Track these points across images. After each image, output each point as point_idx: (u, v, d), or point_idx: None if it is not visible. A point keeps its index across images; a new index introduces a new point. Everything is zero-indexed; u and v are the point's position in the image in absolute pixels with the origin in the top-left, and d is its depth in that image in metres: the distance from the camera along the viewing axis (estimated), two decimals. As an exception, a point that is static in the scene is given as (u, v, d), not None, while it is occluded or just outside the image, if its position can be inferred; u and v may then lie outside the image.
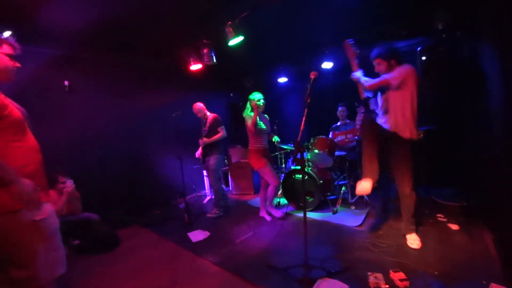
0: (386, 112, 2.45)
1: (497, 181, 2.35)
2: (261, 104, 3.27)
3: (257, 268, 2.33)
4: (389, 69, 2.40)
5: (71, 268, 1.56)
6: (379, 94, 2.53)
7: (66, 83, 3.40)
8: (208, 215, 3.63)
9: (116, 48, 3.75)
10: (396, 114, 2.37)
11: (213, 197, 3.85)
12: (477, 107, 2.80)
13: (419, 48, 3.55)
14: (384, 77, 2.38)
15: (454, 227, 2.63)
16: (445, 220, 2.79)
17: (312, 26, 3.68)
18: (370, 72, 2.61)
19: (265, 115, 3.50)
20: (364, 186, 2.36)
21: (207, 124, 3.68)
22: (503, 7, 1.83)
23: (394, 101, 2.38)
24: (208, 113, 3.77)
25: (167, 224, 3.67)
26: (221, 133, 3.64)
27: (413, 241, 2.40)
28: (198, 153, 3.86)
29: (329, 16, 3.38)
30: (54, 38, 3.15)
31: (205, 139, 3.63)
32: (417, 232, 2.51)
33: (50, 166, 1.52)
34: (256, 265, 2.39)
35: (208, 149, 3.71)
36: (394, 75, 2.31)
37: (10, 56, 1.33)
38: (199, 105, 3.78)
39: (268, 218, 3.43)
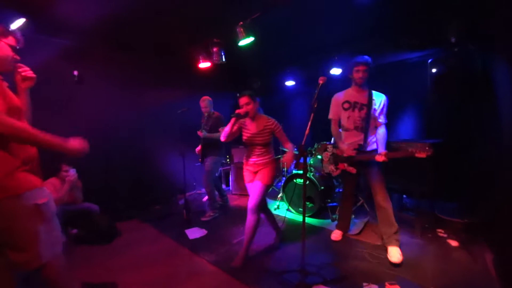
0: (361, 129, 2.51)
1: (502, 199, 2.32)
2: None
3: (253, 271, 2.33)
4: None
5: (69, 256, 1.59)
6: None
7: (75, 73, 3.43)
8: (203, 218, 3.59)
9: (127, 43, 3.78)
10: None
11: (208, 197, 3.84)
12: (487, 123, 2.76)
13: (430, 60, 3.52)
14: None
15: (454, 243, 2.60)
16: (445, 235, 2.76)
17: (322, 32, 3.68)
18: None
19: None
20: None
21: (210, 121, 3.66)
22: None
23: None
24: (213, 111, 3.77)
25: (166, 220, 3.69)
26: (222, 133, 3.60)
27: (394, 254, 2.34)
28: (198, 148, 3.84)
29: (340, 23, 3.38)
30: (68, 30, 3.20)
31: (205, 133, 3.56)
32: (415, 246, 2.49)
33: (55, 155, 1.54)
34: (253, 267, 2.38)
35: (207, 150, 3.68)
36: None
37: (12, 47, 1.38)
38: (209, 98, 3.73)
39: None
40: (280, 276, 2.21)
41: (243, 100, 2.39)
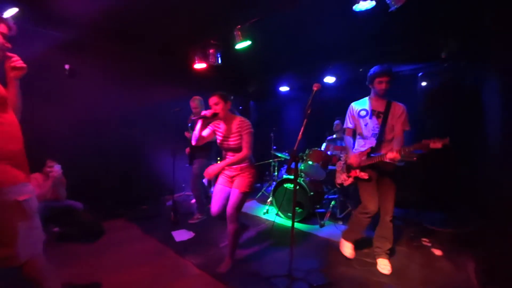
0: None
1: (489, 211, 2.40)
2: None
3: (240, 275, 2.29)
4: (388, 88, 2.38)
5: (51, 255, 1.54)
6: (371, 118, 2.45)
7: (66, 66, 3.35)
8: (190, 221, 3.54)
9: (123, 39, 3.74)
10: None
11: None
12: (474, 136, 2.86)
13: (420, 74, 3.63)
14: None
15: (438, 252, 2.65)
16: (429, 244, 2.81)
17: (318, 40, 3.75)
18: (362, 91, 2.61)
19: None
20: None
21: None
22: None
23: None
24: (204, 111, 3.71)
25: (153, 220, 3.62)
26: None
27: (384, 266, 2.33)
28: (188, 150, 3.78)
29: (335, 33, 3.45)
30: (63, 22, 3.14)
31: (192, 134, 3.43)
32: (400, 254, 2.52)
33: (41, 149, 1.49)
34: (239, 271, 2.35)
35: (197, 152, 3.61)
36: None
37: (4, 35, 1.35)
38: (199, 98, 3.64)
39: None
40: (267, 281, 2.18)
41: (212, 100, 2.24)
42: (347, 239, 2.61)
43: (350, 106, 2.56)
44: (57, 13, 2.92)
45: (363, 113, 2.46)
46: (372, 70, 2.37)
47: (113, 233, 3.10)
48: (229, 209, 2.25)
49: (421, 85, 3.64)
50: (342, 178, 2.59)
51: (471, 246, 2.62)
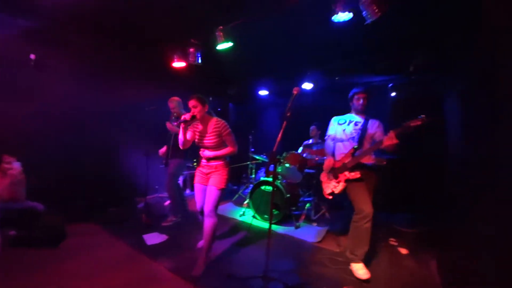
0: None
1: (447, 214, 2.61)
2: None
3: (215, 277, 2.26)
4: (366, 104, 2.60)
5: (8, 260, 1.39)
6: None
7: (32, 56, 3.10)
8: (163, 223, 3.42)
9: (98, 31, 3.53)
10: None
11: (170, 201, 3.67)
12: (437, 145, 3.10)
13: (390, 85, 3.89)
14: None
15: (404, 251, 2.82)
16: (396, 244, 2.99)
17: (297, 48, 3.87)
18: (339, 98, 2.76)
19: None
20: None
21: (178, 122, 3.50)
22: (474, 60, 2.09)
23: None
24: (183, 111, 3.64)
25: (123, 223, 3.43)
26: None
27: (362, 271, 2.30)
28: (162, 151, 3.65)
29: (314, 42, 3.59)
30: (33, 10, 2.90)
31: (173, 125, 3.30)
32: (370, 254, 2.63)
33: (1, 145, 1.36)
34: (215, 273, 2.32)
35: (173, 152, 3.51)
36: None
37: None
38: (178, 98, 3.57)
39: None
40: (242, 282, 2.17)
41: (191, 103, 2.36)
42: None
43: (332, 118, 2.75)
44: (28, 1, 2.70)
45: (342, 121, 2.65)
46: (352, 90, 2.63)
47: (79, 237, 2.89)
48: (208, 205, 2.36)
49: (391, 96, 3.89)
50: (332, 186, 2.51)
51: (432, 245, 2.82)
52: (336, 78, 4.61)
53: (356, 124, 2.55)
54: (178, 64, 3.90)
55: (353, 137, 2.52)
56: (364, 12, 2.38)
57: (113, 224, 3.35)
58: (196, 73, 4.44)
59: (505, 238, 1.44)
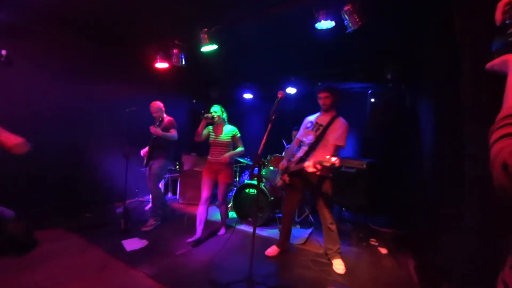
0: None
1: (421, 215, 2.74)
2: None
3: (197, 283, 2.22)
4: (332, 105, 2.61)
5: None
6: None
7: (3, 52, 2.90)
8: (144, 228, 3.30)
9: (76, 27, 3.38)
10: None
11: (151, 205, 3.55)
12: (412, 149, 3.26)
13: (370, 91, 4.05)
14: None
15: (384, 251, 2.93)
16: (376, 244, 3.09)
17: (281, 53, 3.94)
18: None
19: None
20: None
21: (162, 126, 3.43)
22: (442, 71, 2.24)
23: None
24: (165, 115, 3.57)
25: (99, 229, 3.25)
26: (174, 134, 3.42)
27: (339, 266, 2.50)
28: (144, 151, 3.55)
29: (298, 49, 3.68)
30: (3, 2, 2.72)
31: (158, 129, 3.27)
32: (351, 254, 2.72)
33: None
34: (197, 279, 2.27)
35: (155, 152, 3.44)
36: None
37: None
38: (159, 104, 3.54)
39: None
40: (226, 287, 2.13)
41: (213, 108, 3.09)
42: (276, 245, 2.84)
43: (305, 118, 2.83)
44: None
45: (308, 125, 2.71)
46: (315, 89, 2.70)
47: (49, 244, 2.70)
48: (220, 196, 3.13)
49: (370, 102, 4.05)
50: (277, 180, 2.81)
51: (409, 245, 2.94)
52: (319, 84, 4.72)
53: (317, 129, 2.60)
54: (161, 65, 3.83)
55: (310, 144, 2.62)
56: (345, 21, 2.48)
57: (88, 230, 3.17)
58: (178, 74, 4.37)
59: (475, 238, 1.54)
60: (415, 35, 3.00)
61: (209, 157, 3.18)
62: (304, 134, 2.70)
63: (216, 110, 3.07)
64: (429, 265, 2.24)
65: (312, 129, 2.63)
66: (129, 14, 3.02)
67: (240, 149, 3.12)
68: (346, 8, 2.42)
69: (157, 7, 2.84)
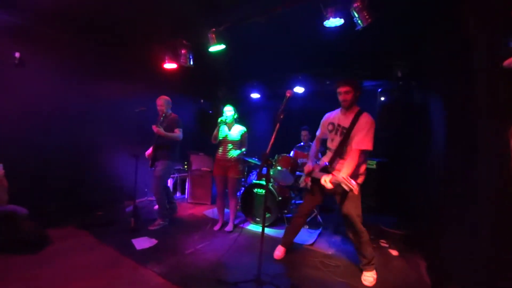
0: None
1: (431, 215, 2.67)
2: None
3: (205, 282, 2.22)
4: (353, 102, 2.30)
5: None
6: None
7: (16, 54, 2.99)
8: (151, 227, 3.34)
9: (86, 28, 3.44)
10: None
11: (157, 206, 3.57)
12: (422, 149, 3.19)
13: (379, 89, 3.98)
14: None
15: (394, 252, 2.87)
16: (387, 245, 3.03)
17: (289, 52, 3.91)
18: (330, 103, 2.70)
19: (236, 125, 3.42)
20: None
21: (166, 122, 3.42)
22: (453, 68, 2.18)
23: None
24: (169, 111, 3.57)
25: (109, 227, 3.31)
26: (178, 134, 3.40)
27: (367, 277, 2.31)
28: (148, 152, 3.55)
29: (305, 46, 3.64)
30: (14, 5, 2.81)
31: (161, 128, 3.25)
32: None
33: None
34: (205, 278, 2.27)
35: (159, 153, 3.42)
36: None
37: None
38: (166, 97, 3.50)
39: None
40: (234, 287, 2.13)
41: (227, 108, 3.34)
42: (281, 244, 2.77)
43: (324, 116, 2.58)
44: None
45: (330, 127, 2.44)
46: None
47: (61, 242, 2.76)
48: (230, 190, 3.36)
49: (380, 100, 3.97)
50: (300, 180, 2.76)
51: (421, 246, 2.88)
52: (327, 83, 4.68)
53: (342, 133, 2.32)
54: (170, 65, 3.86)
55: (335, 150, 2.36)
56: (355, 18, 2.44)
57: (98, 228, 3.23)
58: (186, 74, 4.40)
59: (488, 240, 1.49)
60: (425, 31, 2.93)
61: (218, 154, 3.36)
62: (330, 139, 2.45)
63: (230, 110, 3.33)
64: (441, 267, 2.18)
65: (336, 133, 2.36)
66: (137, 16, 3.06)
67: (244, 149, 3.39)
68: (355, 5, 2.38)
69: (165, 8, 2.87)
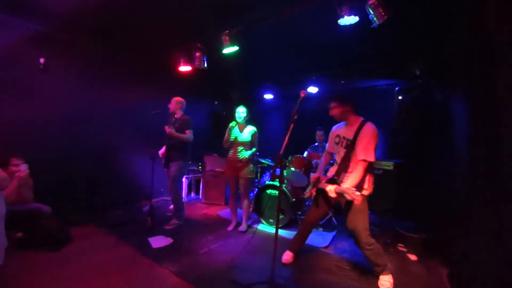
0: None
1: (452, 219, 2.55)
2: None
3: (219, 282, 2.23)
4: (343, 115, 2.33)
5: (11, 263, 1.38)
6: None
7: (41, 60, 3.16)
8: (166, 226, 3.41)
9: (104, 35, 3.59)
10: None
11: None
12: (443, 149, 3.05)
13: (397, 88, 3.85)
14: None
15: (413, 257, 2.76)
16: (405, 250, 2.92)
17: (303, 52, 3.87)
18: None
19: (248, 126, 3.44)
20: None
21: (178, 123, 3.48)
22: (475, 63, 2.07)
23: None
24: (182, 113, 3.62)
25: (127, 226, 3.41)
26: (188, 135, 3.45)
27: (384, 281, 2.25)
28: (162, 151, 3.62)
29: (319, 46, 3.59)
30: (39, 12, 2.96)
31: (172, 130, 3.31)
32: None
33: (5, 146, 1.36)
34: (219, 278, 2.29)
35: (172, 154, 3.48)
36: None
37: None
38: (179, 98, 3.59)
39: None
40: (248, 288, 2.14)
41: (240, 109, 3.38)
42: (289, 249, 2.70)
43: (332, 129, 2.53)
44: (33, 3, 2.76)
45: (337, 140, 2.42)
46: None
47: (82, 240, 2.89)
48: (242, 191, 3.39)
49: (398, 99, 3.85)
50: (306, 191, 2.56)
51: (441, 251, 2.75)
52: (342, 82, 4.60)
53: (346, 146, 2.29)
54: (184, 68, 3.94)
55: (340, 162, 2.33)
56: (370, 15, 2.38)
57: (117, 227, 3.34)
58: (200, 76, 4.47)
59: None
60: (444, 27, 2.80)
61: (229, 155, 3.41)
62: (336, 151, 2.43)
63: (243, 111, 3.38)
64: (464, 274, 2.08)
65: (341, 145, 2.34)
66: (154, 22, 3.15)
67: (254, 149, 3.41)
68: (370, 1, 2.32)
69: (180, 13, 2.94)
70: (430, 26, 2.93)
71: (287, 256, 2.65)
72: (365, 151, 2.12)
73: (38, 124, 3.26)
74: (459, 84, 2.65)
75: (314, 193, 2.48)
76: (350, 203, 2.18)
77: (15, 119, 3.00)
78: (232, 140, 3.34)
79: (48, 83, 3.34)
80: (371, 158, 2.11)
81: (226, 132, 3.33)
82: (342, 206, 2.36)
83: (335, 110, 2.36)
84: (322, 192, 2.36)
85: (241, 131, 3.38)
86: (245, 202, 3.43)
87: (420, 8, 2.61)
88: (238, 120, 3.33)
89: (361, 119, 2.29)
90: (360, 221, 2.23)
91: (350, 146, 2.23)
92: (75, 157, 3.64)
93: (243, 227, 3.42)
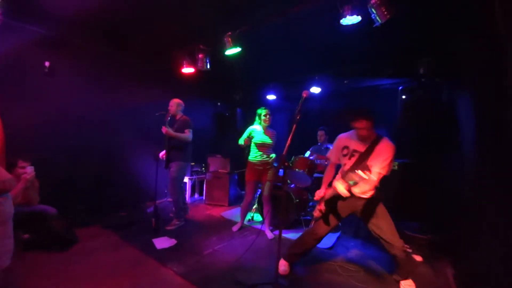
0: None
1: (459, 219, 2.52)
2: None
3: (223, 283, 2.24)
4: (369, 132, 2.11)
5: (18, 264, 1.40)
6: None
7: (46, 64, 3.20)
8: (167, 227, 3.43)
9: (108, 38, 3.63)
10: None
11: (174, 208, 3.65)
12: (448, 148, 3.02)
13: (400, 87, 3.82)
14: None
15: (418, 258, 2.73)
16: (410, 251, 2.88)
17: (305, 52, 3.87)
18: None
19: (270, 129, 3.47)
20: None
21: (177, 124, 3.50)
22: (482, 61, 2.04)
23: None
24: (181, 114, 3.64)
25: (132, 227, 3.44)
26: (187, 135, 3.45)
27: (407, 286, 2.21)
28: (162, 154, 3.63)
29: (322, 46, 3.58)
30: (44, 17, 3.01)
31: (169, 130, 3.33)
32: (384, 260, 2.55)
33: (11, 148, 1.38)
34: (223, 279, 2.29)
35: (172, 154, 3.50)
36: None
37: None
38: (178, 100, 3.62)
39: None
40: (252, 289, 2.14)
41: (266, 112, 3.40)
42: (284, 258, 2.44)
43: (337, 138, 2.37)
44: (37, 7, 2.80)
45: (345, 151, 2.27)
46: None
47: (88, 241, 2.92)
48: (267, 194, 3.32)
49: (402, 98, 3.81)
50: (314, 211, 2.36)
51: (447, 252, 2.72)
52: (345, 82, 4.57)
53: (355, 158, 2.17)
54: (188, 70, 3.96)
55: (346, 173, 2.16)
56: (373, 15, 2.36)
57: (122, 228, 3.37)
58: (203, 78, 4.49)
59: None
60: (449, 24, 2.77)
61: (255, 159, 3.33)
62: (343, 163, 2.28)
63: (269, 113, 3.40)
64: (471, 275, 2.05)
65: (349, 158, 2.21)
66: (157, 24, 3.18)
67: (274, 155, 3.39)
68: (372, 1, 2.30)
69: (183, 15, 2.95)
70: (434, 24, 2.90)
71: (284, 267, 2.40)
72: (383, 166, 2.01)
73: (44, 126, 3.29)
74: (465, 82, 2.62)
75: (324, 209, 2.24)
76: (367, 210, 2.12)
77: (22, 122, 3.03)
78: (258, 143, 3.30)
79: (54, 86, 3.37)
80: (387, 172, 2.04)
81: (246, 135, 3.32)
82: (357, 215, 2.24)
83: (365, 132, 2.08)
84: (332, 207, 2.25)
85: (267, 134, 3.38)
86: (270, 205, 3.36)
87: (424, 7, 2.58)
88: (264, 124, 3.32)
89: (374, 134, 2.14)
90: (388, 225, 2.13)
91: (360, 159, 2.09)
92: (81, 158, 3.68)
93: (270, 235, 3.29)
